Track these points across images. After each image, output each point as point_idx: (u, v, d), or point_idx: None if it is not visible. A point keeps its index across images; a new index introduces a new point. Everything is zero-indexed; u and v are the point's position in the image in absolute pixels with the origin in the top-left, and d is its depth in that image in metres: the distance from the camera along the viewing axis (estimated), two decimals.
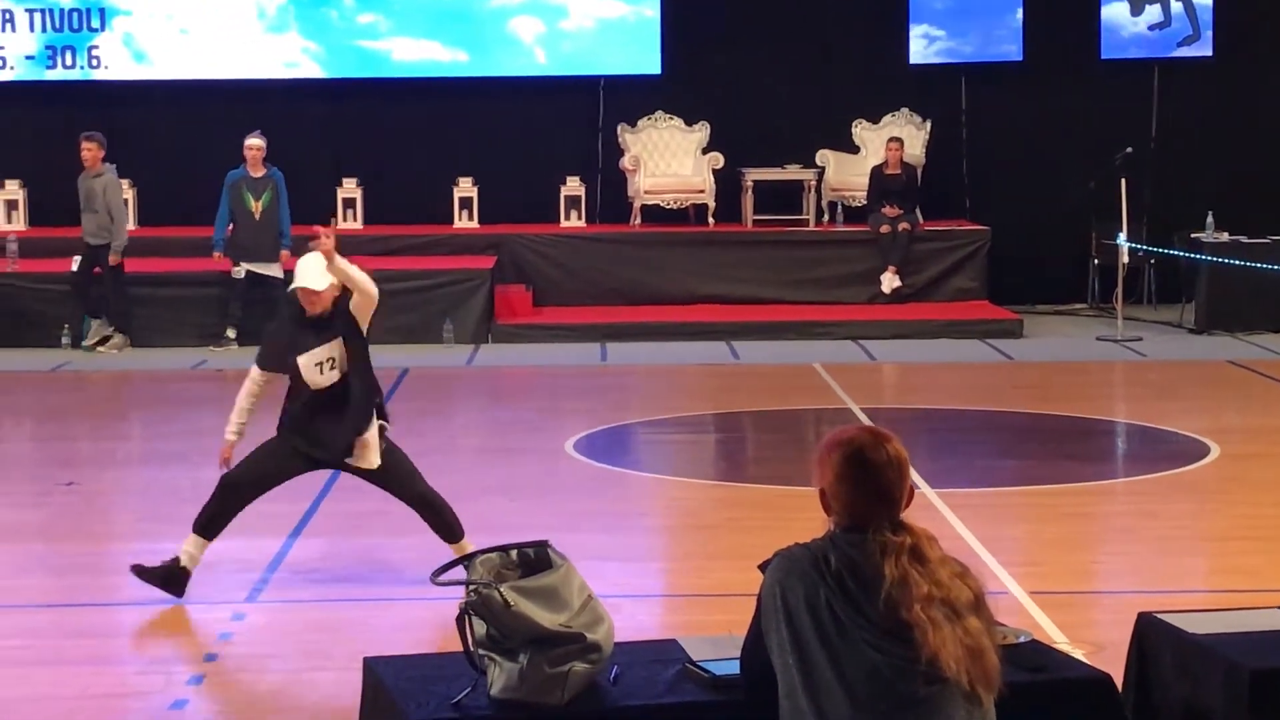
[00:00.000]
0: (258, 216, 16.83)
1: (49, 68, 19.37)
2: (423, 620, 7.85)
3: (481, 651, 4.74)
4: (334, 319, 8.20)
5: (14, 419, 14.12)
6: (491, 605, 4.67)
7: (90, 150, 16.38)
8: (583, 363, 16.12)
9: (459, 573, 4.80)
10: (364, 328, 8.21)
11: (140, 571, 8.22)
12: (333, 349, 8.18)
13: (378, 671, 4.98)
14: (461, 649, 4.77)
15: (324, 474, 10.90)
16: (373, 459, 8.28)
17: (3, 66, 19.32)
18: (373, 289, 8.16)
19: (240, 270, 16.73)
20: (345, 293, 8.19)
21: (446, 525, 8.44)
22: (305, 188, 19.07)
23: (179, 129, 19.13)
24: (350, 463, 8.34)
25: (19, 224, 18.76)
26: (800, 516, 9.70)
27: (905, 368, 15.99)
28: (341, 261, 8.01)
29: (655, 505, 10.74)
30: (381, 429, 8.36)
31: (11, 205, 18.87)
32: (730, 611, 7.71)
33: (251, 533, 9.56)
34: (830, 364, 15.59)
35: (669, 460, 12.12)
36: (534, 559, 4.88)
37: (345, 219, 18.97)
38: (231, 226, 16.84)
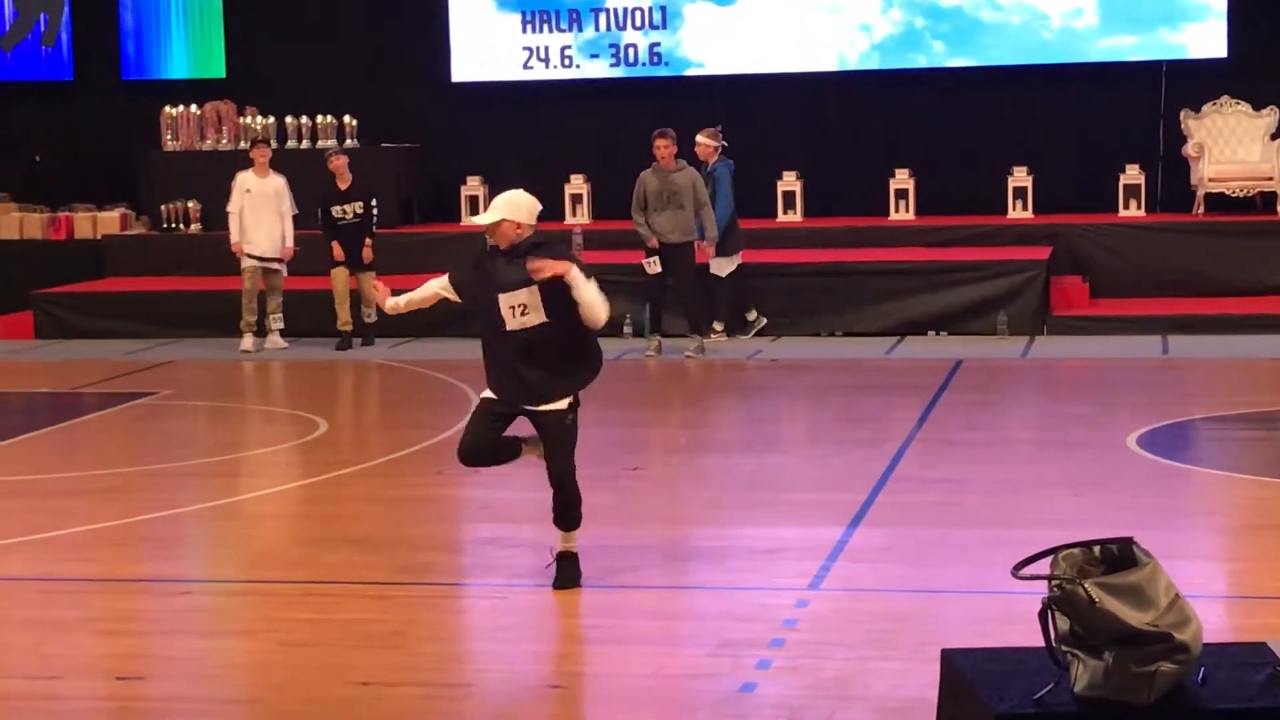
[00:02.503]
0: None
1: (612, 65, 20.02)
2: (988, 613, 7.74)
3: (1064, 648, 4.65)
4: (517, 261, 8.18)
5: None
6: (1076, 601, 4.58)
7: (665, 147, 16.11)
8: (1143, 356, 15.66)
9: (1041, 567, 4.72)
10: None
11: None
12: (527, 295, 8.17)
13: (957, 663, 4.93)
14: (1042, 644, 4.70)
15: (880, 466, 10.99)
16: (559, 405, 8.26)
17: (570, 65, 20.07)
18: (599, 316, 8.19)
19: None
20: (545, 247, 8.24)
21: (561, 511, 8.42)
22: (856, 179, 19.23)
23: (734, 123, 19.43)
24: (536, 409, 8.29)
25: (584, 217, 19.45)
26: None
27: None
28: (579, 279, 8.08)
29: (1225, 503, 10.34)
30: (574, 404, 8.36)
31: (576, 199, 19.58)
32: None
33: (811, 521, 9.70)
34: None
35: (1238, 457, 11.63)
36: (1118, 556, 4.76)
37: (897, 210, 18.98)
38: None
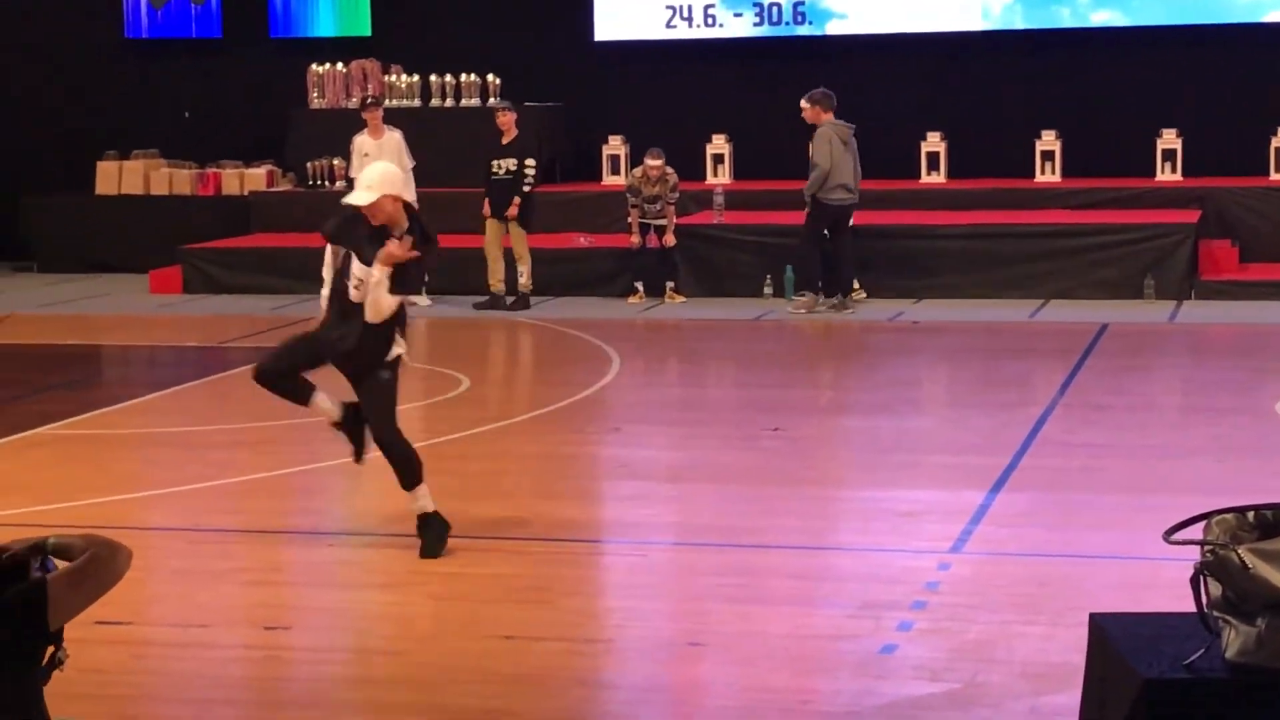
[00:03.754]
0: None
1: (755, 24, 19.92)
2: (1133, 578, 7.66)
3: (1216, 613, 4.59)
4: (382, 243, 8.12)
5: (720, 366, 14.63)
6: (1229, 566, 4.52)
7: (805, 109, 16.44)
8: None
9: (1193, 532, 4.66)
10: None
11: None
12: (364, 272, 8.14)
13: (1104, 628, 4.88)
14: (1190, 609, 4.65)
15: (1023, 430, 10.90)
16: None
17: (713, 24, 20.00)
18: (377, 313, 8.14)
19: None
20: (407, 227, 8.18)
21: (395, 473, 8.41)
22: (1000, 139, 19.03)
23: (877, 82, 19.29)
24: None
25: (725, 177, 19.41)
26: None
27: None
28: (383, 271, 8.05)
29: None
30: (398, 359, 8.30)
31: (718, 159, 19.53)
32: None
33: (953, 484, 9.63)
34: None
35: None
36: (1272, 521, 4.68)
37: (1043, 172, 18.76)
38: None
